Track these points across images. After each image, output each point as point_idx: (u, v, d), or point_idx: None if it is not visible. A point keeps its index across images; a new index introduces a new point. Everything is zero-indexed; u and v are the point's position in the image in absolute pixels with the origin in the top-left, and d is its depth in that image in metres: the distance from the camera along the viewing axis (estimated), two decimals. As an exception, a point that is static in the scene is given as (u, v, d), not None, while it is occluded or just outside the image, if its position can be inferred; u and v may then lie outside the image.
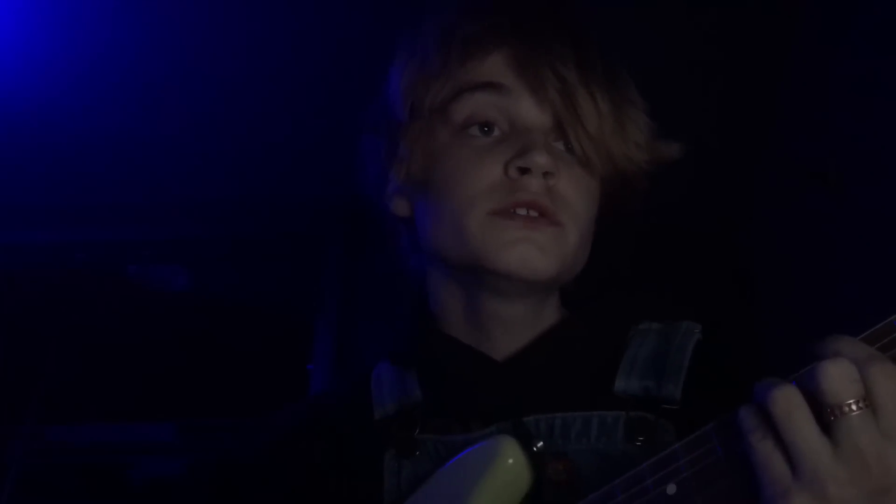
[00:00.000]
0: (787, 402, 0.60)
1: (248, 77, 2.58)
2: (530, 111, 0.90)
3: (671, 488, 0.67)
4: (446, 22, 0.94)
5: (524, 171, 0.87)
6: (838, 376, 0.59)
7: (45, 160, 2.87)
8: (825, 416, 0.59)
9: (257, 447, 1.04)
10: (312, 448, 0.98)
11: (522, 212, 0.87)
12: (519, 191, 0.86)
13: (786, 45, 2.44)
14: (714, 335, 0.92)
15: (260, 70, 2.56)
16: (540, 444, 0.83)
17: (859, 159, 2.18)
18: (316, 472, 0.95)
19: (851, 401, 0.59)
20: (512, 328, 0.93)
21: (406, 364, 0.97)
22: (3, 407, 3.02)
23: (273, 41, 2.46)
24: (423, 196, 0.94)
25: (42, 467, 3.08)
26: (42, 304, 3.21)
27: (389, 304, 1.05)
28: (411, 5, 0.99)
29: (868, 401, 0.59)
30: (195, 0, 2.33)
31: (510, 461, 0.80)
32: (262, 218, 3.13)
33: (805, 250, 2.53)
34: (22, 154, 2.82)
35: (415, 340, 0.99)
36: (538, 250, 0.86)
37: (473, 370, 0.92)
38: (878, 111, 2.05)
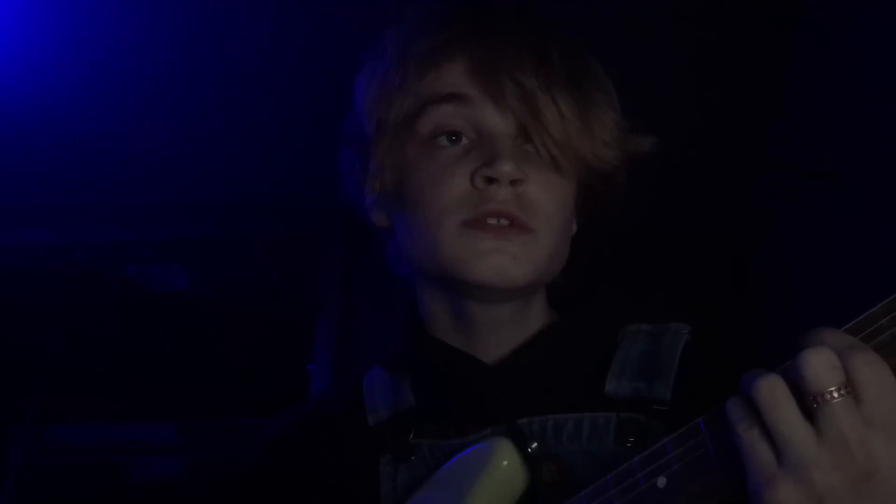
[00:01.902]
0: (771, 390, 0.61)
1: (249, 77, 2.59)
2: (494, 119, 0.89)
3: (661, 481, 0.67)
4: (403, 35, 0.94)
5: (491, 180, 0.86)
6: (819, 364, 0.60)
7: (45, 160, 2.88)
8: (808, 403, 0.60)
9: (253, 456, 1.04)
10: (307, 456, 0.98)
11: (493, 221, 0.87)
12: (487, 201, 0.86)
13: (785, 45, 2.44)
14: (705, 335, 0.92)
15: (260, 70, 2.56)
16: (534, 445, 0.83)
17: (859, 159, 2.18)
18: (312, 480, 0.95)
19: (833, 388, 0.59)
20: (499, 331, 0.93)
21: (397, 369, 0.98)
22: (3, 407, 3.02)
23: (273, 42, 2.46)
24: (399, 209, 0.94)
25: (42, 467, 3.08)
26: (42, 304, 3.22)
27: (390, 304, 1.05)
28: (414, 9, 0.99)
29: (850, 388, 0.60)
30: (196, 1, 2.34)
31: (505, 463, 0.80)
32: (262, 218, 3.13)
33: (805, 250, 2.53)
34: (22, 154, 2.82)
35: (405, 346, 0.99)
36: (511, 259, 0.86)
37: (465, 374, 0.92)
38: (878, 111, 2.05)
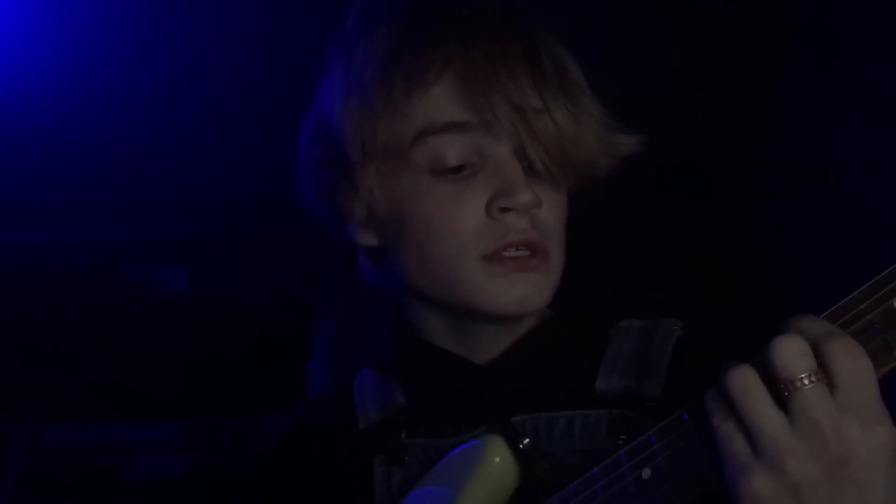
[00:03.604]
0: (742, 380, 0.61)
1: (249, 77, 2.59)
2: (494, 143, 0.86)
3: (646, 473, 0.68)
4: (383, 50, 0.87)
5: (508, 209, 0.85)
6: (789, 351, 0.60)
7: (45, 160, 2.88)
8: (781, 392, 0.60)
9: (247, 463, 1.04)
10: (301, 461, 0.98)
11: (512, 251, 0.85)
12: (508, 232, 0.85)
13: (785, 45, 2.44)
14: (698, 332, 0.91)
15: (260, 70, 2.56)
16: (526, 441, 0.83)
17: (859, 159, 2.17)
18: (307, 485, 0.95)
19: (804, 375, 0.59)
20: (494, 336, 0.92)
21: (387, 371, 0.97)
22: (3, 407, 3.03)
23: (273, 41, 2.46)
24: (396, 235, 0.90)
25: (42, 467, 3.09)
26: (42, 304, 3.22)
27: (389, 304, 1.04)
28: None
29: (824, 374, 0.59)
30: (195, 0, 2.34)
31: (497, 459, 0.80)
32: (262, 218, 3.13)
33: (804, 249, 2.53)
34: (22, 154, 2.82)
35: (395, 348, 0.98)
36: (535, 289, 0.86)
37: (456, 375, 0.92)
38: (878, 110, 2.05)
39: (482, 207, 0.85)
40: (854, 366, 0.59)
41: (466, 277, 0.85)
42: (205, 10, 2.35)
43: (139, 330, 3.25)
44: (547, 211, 0.87)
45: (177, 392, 3.17)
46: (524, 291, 0.85)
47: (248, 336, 3.25)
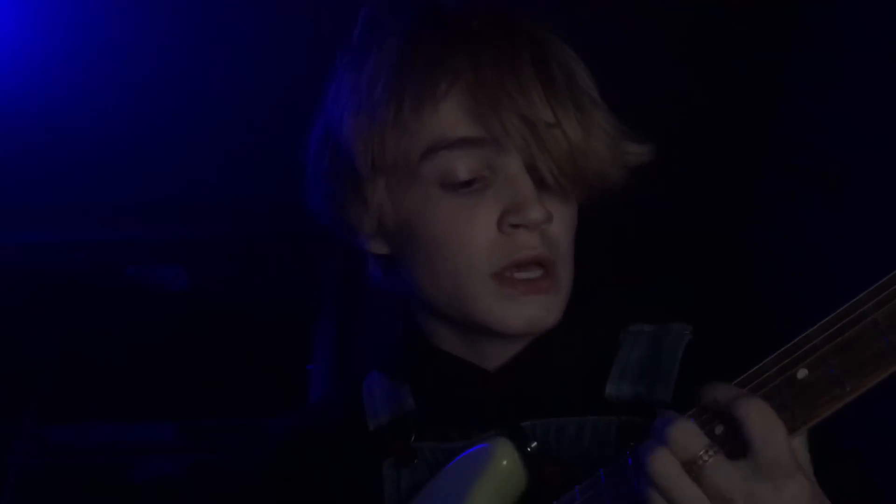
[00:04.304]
0: (662, 466, 0.64)
1: (249, 77, 2.59)
2: (504, 158, 0.85)
3: None
4: (392, 66, 0.86)
5: (519, 225, 0.84)
6: (680, 436, 0.64)
7: (45, 160, 2.88)
8: (692, 472, 0.63)
9: (255, 463, 1.04)
10: (310, 462, 0.98)
11: (523, 273, 0.85)
12: (519, 249, 0.84)
13: (786, 46, 2.44)
14: (707, 336, 0.91)
15: (261, 70, 2.56)
16: (534, 444, 0.83)
17: (859, 159, 2.18)
18: (315, 485, 0.95)
19: (700, 452, 0.63)
20: (503, 344, 0.92)
21: (397, 375, 0.97)
22: (3, 407, 3.02)
23: (274, 41, 2.46)
24: (406, 247, 0.90)
25: (42, 467, 3.08)
26: (42, 304, 3.22)
27: (389, 305, 1.04)
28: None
29: (725, 441, 0.63)
30: (195, 0, 2.34)
31: (505, 462, 0.81)
32: (262, 218, 3.13)
33: (805, 251, 2.53)
34: (22, 154, 2.82)
35: (405, 352, 0.99)
36: (545, 311, 0.86)
37: (467, 381, 0.92)
38: (878, 111, 2.05)
39: (493, 223, 0.85)
40: (762, 426, 0.61)
41: (477, 296, 0.85)
42: (206, 9, 2.35)
43: (139, 330, 3.25)
44: (557, 224, 0.87)
45: (177, 392, 3.16)
46: (535, 314, 0.85)
47: (248, 336, 3.24)
